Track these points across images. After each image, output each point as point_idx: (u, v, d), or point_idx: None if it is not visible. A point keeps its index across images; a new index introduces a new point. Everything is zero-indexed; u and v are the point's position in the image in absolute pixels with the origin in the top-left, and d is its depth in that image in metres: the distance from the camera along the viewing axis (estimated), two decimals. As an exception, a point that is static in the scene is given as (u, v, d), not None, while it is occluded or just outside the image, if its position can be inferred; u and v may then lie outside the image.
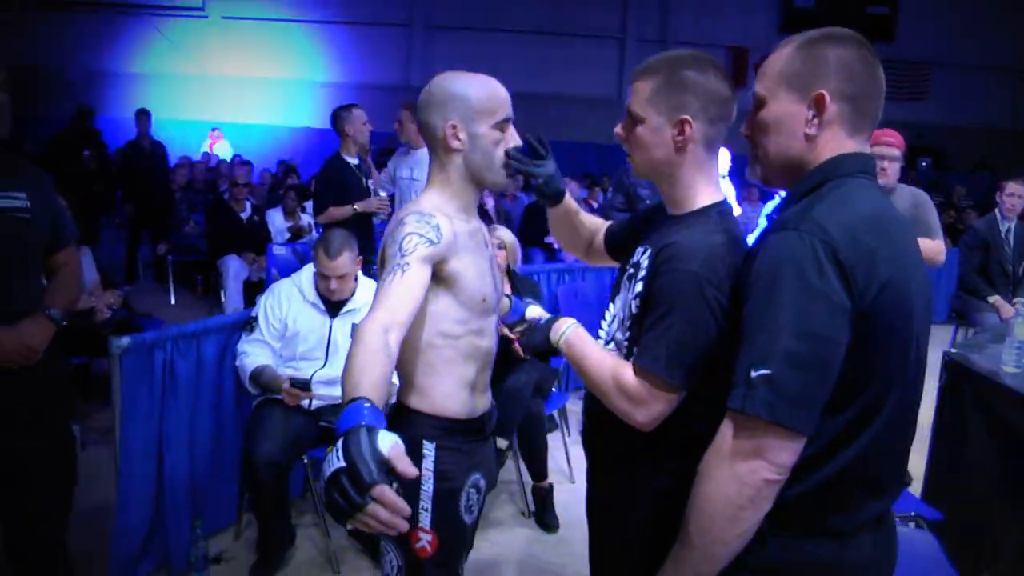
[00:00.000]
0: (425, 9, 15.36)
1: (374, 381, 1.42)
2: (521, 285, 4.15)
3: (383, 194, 5.20)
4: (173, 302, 7.77)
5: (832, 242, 1.22)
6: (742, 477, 1.25)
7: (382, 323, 1.54)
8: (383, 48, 15.24)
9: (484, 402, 1.96)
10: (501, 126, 1.84)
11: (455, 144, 1.82)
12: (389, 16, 15.35)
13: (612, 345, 1.75)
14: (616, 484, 1.75)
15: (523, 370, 3.80)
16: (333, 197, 4.99)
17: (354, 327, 1.55)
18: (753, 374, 1.23)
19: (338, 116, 5.16)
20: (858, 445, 1.30)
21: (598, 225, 2.08)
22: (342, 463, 1.20)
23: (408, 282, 1.64)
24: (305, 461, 3.34)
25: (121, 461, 2.90)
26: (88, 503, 3.04)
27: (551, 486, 3.88)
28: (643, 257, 1.67)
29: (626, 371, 1.58)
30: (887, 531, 1.43)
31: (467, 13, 15.13)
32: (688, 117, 1.57)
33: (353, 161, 5.16)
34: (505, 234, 4.18)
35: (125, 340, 2.84)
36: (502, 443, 3.71)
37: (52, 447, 2.35)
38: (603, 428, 1.71)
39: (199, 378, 3.25)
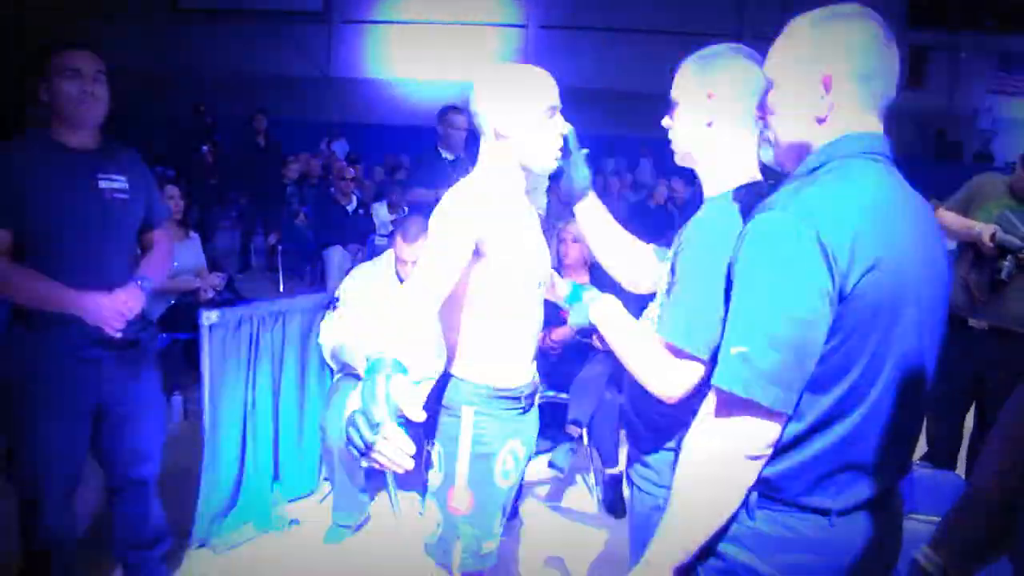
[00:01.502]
0: (537, 9, 15.49)
1: (405, 339, 1.57)
2: (602, 277, 4.20)
3: None
4: (282, 290, 8.14)
5: (815, 223, 1.22)
6: (722, 451, 1.28)
7: (420, 290, 1.70)
8: (495, 48, 15.47)
9: (527, 374, 2.05)
10: (548, 113, 1.92)
11: (503, 131, 1.91)
12: (503, 16, 15.59)
13: (648, 321, 1.83)
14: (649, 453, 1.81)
15: (598, 360, 3.87)
16: (419, 180, 5.21)
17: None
18: (732, 351, 1.25)
19: (440, 115, 5.39)
20: (844, 426, 1.30)
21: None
22: (358, 407, 1.34)
23: (448, 255, 1.77)
24: (379, 434, 3.49)
25: (208, 423, 3.14)
26: (183, 466, 3.32)
27: (621, 473, 3.92)
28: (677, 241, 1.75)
29: (651, 343, 1.65)
30: (886, 517, 1.42)
31: (581, 11, 15.19)
32: (713, 92, 1.65)
33: (448, 156, 5.35)
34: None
35: (214, 313, 3.08)
36: (574, 430, 3.79)
37: (145, 399, 2.61)
38: (640, 401, 1.78)
39: (284, 352, 3.48)
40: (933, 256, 1.36)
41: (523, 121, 1.89)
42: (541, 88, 1.91)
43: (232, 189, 9.28)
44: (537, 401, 2.15)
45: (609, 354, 3.85)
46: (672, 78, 1.75)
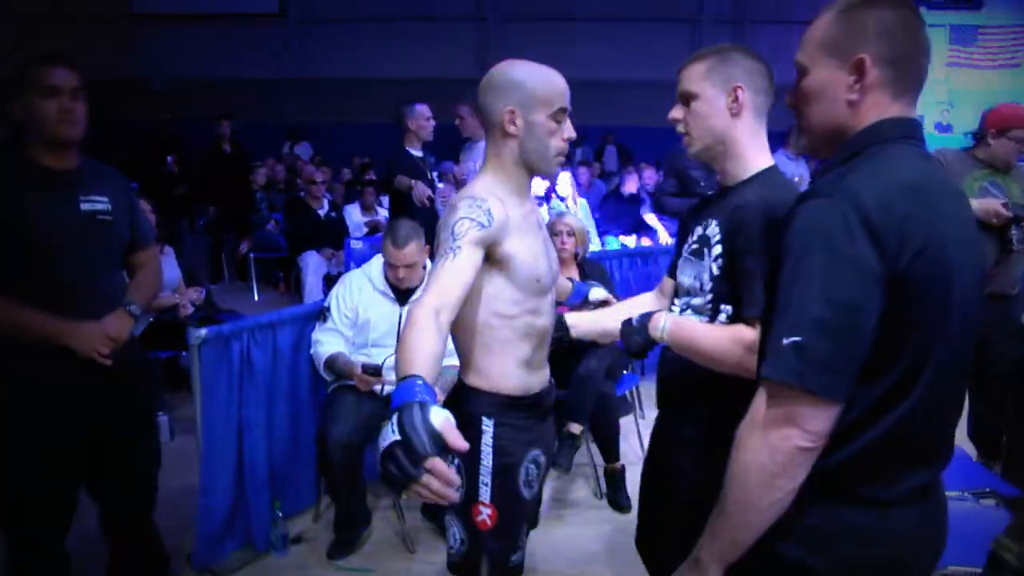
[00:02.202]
0: (497, 1, 15.42)
1: (426, 359, 1.48)
2: (590, 272, 4.17)
3: (441, 186, 5.34)
4: (257, 299, 8.01)
5: (863, 207, 1.21)
6: (775, 445, 1.24)
7: (433, 305, 1.62)
8: (457, 42, 15.35)
9: (541, 379, 2.00)
10: (557, 116, 1.87)
11: (511, 129, 1.86)
12: (462, 10, 15.48)
13: (689, 312, 1.88)
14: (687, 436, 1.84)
15: (595, 355, 3.82)
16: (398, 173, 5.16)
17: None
18: (784, 342, 1.22)
19: (401, 111, 5.30)
20: (898, 412, 1.28)
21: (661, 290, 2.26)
22: (397, 436, 1.27)
23: (459, 264, 1.70)
24: (379, 445, 3.42)
25: (203, 446, 3.04)
26: (177, 487, 3.21)
27: (623, 468, 3.89)
28: (709, 229, 1.83)
29: (742, 330, 1.68)
30: (934, 504, 1.41)
31: (540, 3, 15.12)
32: (740, 84, 1.80)
33: (417, 153, 5.30)
34: (574, 221, 4.22)
35: (203, 331, 2.98)
36: (576, 428, 3.74)
37: (138, 431, 2.51)
38: (682, 380, 1.84)
39: (275, 366, 3.38)
40: (972, 238, 1.37)
41: (532, 120, 1.85)
42: (552, 89, 1.86)
43: (199, 198, 9.10)
44: (552, 404, 2.10)
45: (606, 349, 3.86)
46: (679, 73, 1.90)
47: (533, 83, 1.85)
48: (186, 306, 4.59)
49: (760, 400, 1.27)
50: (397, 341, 3.44)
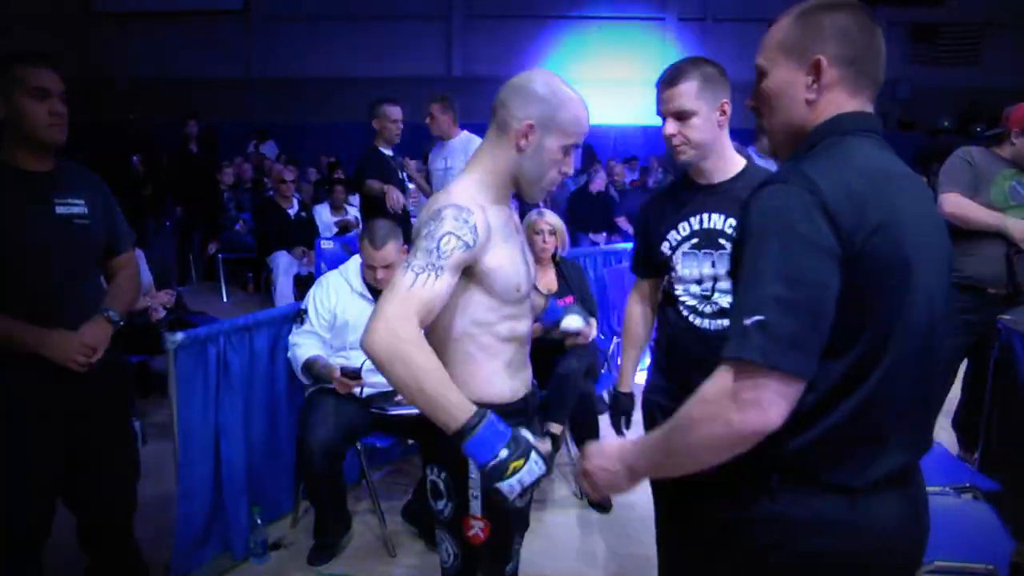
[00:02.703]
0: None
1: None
2: (568, 271, 4.16)
3: (412, 187, 5.31)
4: (226, 300, 7.92)
5: (818, 190, 1.26)
6: (733, 422, 1.23)
7: (420, 320, 1.63)
8: (424, 41, 15.30)
9: (525, 381, 1.96)
10: (567, 149, 1.83)
11: (522, 143, 1.80)
12: (428, 9, 15.42)
13: (718, 295, 2.19)
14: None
15: (574, 355, 3.81)
16: (371, 174, 5.10)
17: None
18: (746, 322, 1.23)
19: (371, 110, 5.26)
20: (859, 394, 1.30)
21: (644, 297, 2.56)
22: (544, 471, 1.63)
23: (441, 285, 1.67)
24: (359, 448, 3.39)
25: (180, 452, 2.99)
26: (152, 494, 3.14)
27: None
28: (712, 223, 2.20)
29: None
30: (911, 494, 1.41)
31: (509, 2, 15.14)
32: (726, 100, 2.22)
33: (388, 152, 5.25)
34: (555, 219, 4.19)
35: (179, 335, 2.91)
36: (556, 428, 3.73)
37: (116, 439, 2.45)
38: None
39: (252, 370, 3.33)
40: (934, 225, 1.41)
41: (544, 143, 1.80)
42: (575, 123, 1.82)
43: (166, 198, 8.96)
44: (536, 406, 2.08)
45: (586, 348, 3.85)
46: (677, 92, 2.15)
47: (561, 107, 1.80)
48: (157, 309, 4.50)
49: (722, 378, 1.25)
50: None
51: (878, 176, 1.32)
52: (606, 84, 13.27)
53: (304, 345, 3.38)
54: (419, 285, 1.64)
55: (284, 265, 7.20)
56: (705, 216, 2.20)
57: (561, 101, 1.80)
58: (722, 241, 2.17)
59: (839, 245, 1.24)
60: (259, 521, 3.22)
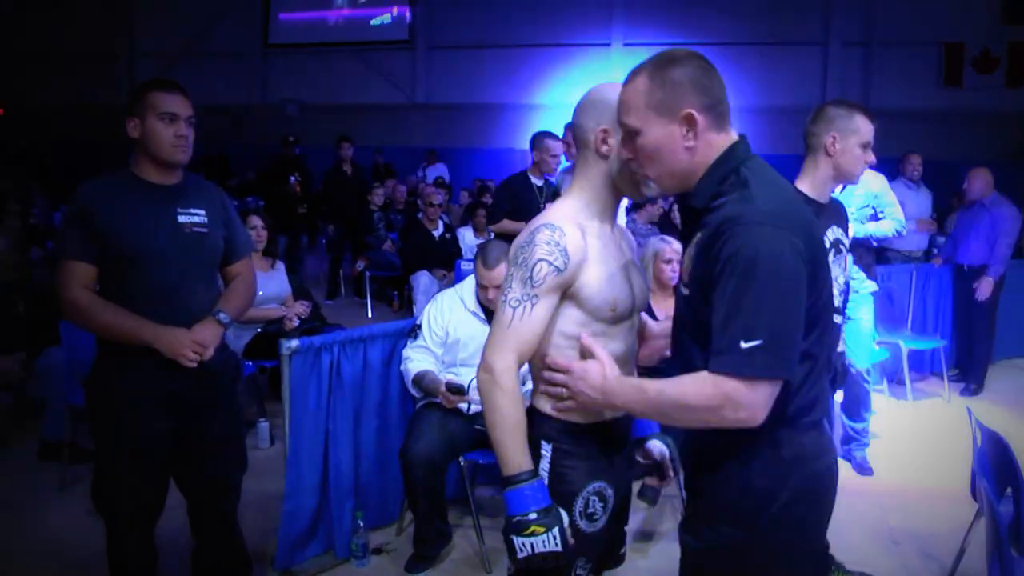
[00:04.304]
0: (622, 29, 15.45)
1: (525, 443, 1.75)
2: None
3: None
4: (370, 316, 8.25)
5: (788, 227, 1.51)
6: (727, 418, 1.51)
7: (517, 363, 1.75)
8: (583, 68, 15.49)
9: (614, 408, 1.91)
10: None
11: (603, 149, 1.84)
12: (592, 38, 15.65)
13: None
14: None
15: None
16: (507, 210, 5.17)
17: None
18: (744, 345, 1.46)
19: (533, 139, 5.40)
20: (814, 359, 1.64)
21: None
22: (558, 548, 1.70)
23: (536, 316, 1.75)
24: (462, 463, 3.48)
25: (290, 451, 3.17)
26: (272, 491, 3.35)
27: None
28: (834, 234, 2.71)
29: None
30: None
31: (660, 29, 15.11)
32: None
33: (538, 183, 5.33)
34: (679, 246, 4.17)
35: (294, 342, 3.11)
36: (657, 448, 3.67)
37: (222, 436, 2.64)
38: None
39: (365, 380, 3.48)
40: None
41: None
42: None
43: (320, 217, 9.50)
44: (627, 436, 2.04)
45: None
46: None
47: None
48: (292, 319, 4.78)
49: (722, 381, 1.49)
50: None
51: (794, 195, 1.69)
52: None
53: (416, 359, 3.50)
54: (516, 319, 1.74)
55: (425, 284, 7.44)
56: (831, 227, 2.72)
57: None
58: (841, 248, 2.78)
59: (806, 267, 1.52)
60: (361, 525, 3.35)
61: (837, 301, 2.70)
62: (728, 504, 1.67)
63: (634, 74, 1.66)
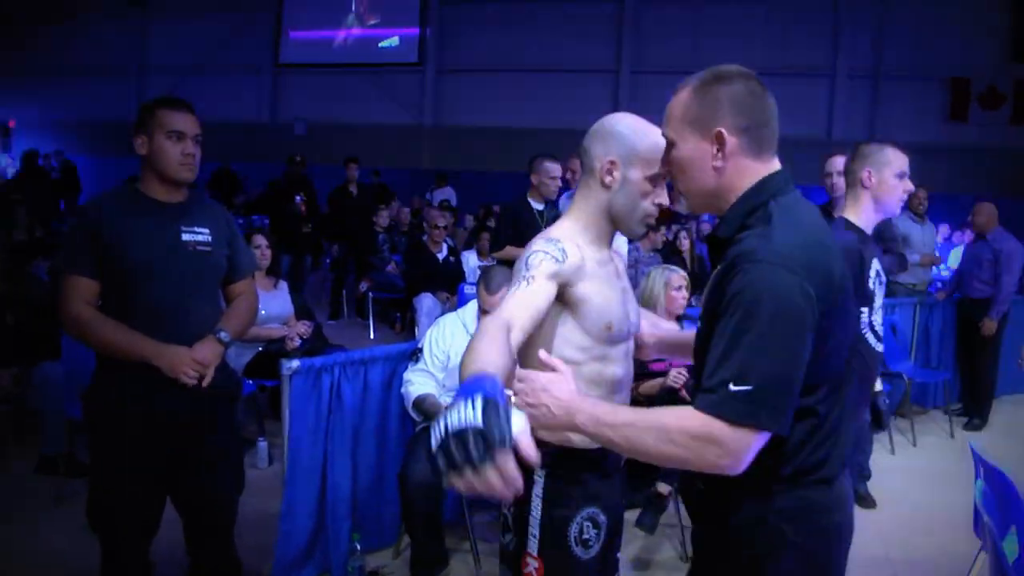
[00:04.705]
0: (630, 53, 15.57)
1: (495, 362, 1.47)
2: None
3: None
4: (372, 337, 8.24)
5: (799, 270, 1.42)
6: (706, 463, 1.40)
7: (505, 318, 1.65)
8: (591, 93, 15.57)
9: None
10: (654, 179, 1.86)
11: (607, 180, 1.87)
12: (598, 63, 15.75)
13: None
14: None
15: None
16: (509, 236, 5.18)
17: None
18: (732, 388, 1.38)
19: (531, 162, 5.40)
20: (833, 417, 1.54)
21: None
22: (479, 423, 1.21)
23: (532, 291, 1.73)
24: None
25: (287, 471, 3.16)
26: (269, 511, 3.33)
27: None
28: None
29: None
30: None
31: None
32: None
33: (538, 207, 5.34)
34: (684, 274, 4.21)
35: (295, 363, 3.11)
36: (665, 488, 3.66)
37: (218, 455, 2.62)
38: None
39: (365, 402, 3.48)
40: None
41: (629, 176, 1.86)
42: (655, 150, 1.81)
43: (325, 237, 9.52)
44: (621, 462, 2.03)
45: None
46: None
47: (638, 139, 1.85)
48: (294, 338, 4.78)
49: (707, 422, 1.39)
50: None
51: (824, 236, 1.55)
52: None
53: (417, 383, 3.49)
54: (510, 296, 1.74)
55: (428, 307, 7.43)
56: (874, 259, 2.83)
57: (636, 133, 1.86)
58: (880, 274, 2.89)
59: (816, 316, 1.42)
60: (358, 547, 3.33)
61: (879, 327, 2.85)
62: (728, 557, 1.62)
63: (683, 85, 1.63)
